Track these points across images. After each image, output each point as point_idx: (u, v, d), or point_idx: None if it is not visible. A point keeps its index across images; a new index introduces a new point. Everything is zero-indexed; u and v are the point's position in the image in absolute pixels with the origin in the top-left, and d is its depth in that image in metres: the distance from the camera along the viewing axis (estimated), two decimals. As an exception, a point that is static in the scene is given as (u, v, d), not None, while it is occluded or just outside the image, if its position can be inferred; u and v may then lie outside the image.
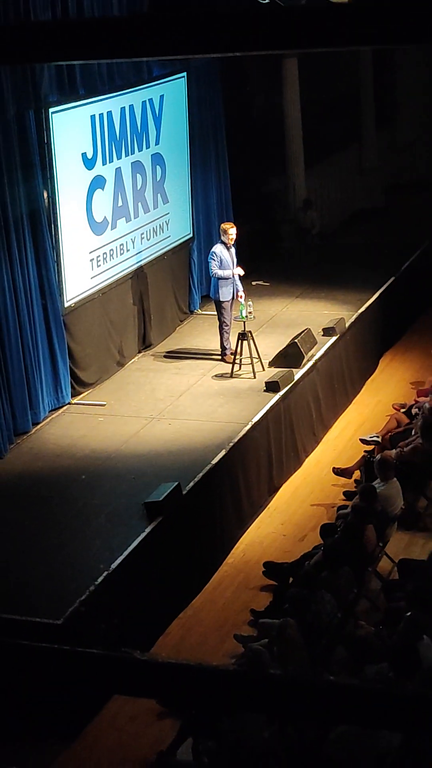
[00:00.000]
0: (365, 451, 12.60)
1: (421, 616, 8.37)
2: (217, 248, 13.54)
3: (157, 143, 14.49)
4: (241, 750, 7.62)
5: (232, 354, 13.35)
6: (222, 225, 14.02)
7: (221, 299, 13.52)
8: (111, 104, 13.31)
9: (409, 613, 8.44)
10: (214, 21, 2.01)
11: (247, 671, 6.97)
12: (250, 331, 13.06)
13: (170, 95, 14.68)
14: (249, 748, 7.62)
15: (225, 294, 13.48)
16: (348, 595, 9.39)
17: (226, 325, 13.60)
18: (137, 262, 14.12)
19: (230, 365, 13.19)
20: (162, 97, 14.48)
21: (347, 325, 14.53)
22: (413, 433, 12.08)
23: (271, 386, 12.46)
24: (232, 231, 13.59)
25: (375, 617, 9.64)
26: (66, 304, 12.58)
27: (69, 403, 12.54)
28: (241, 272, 13.63)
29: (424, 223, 20.81)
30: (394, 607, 9.40)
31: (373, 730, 7.19)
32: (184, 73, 14.90)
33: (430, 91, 24.95)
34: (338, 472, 12.34)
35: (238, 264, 13.67)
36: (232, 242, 13.58)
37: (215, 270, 13.41)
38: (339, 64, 22.26)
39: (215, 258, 13.45)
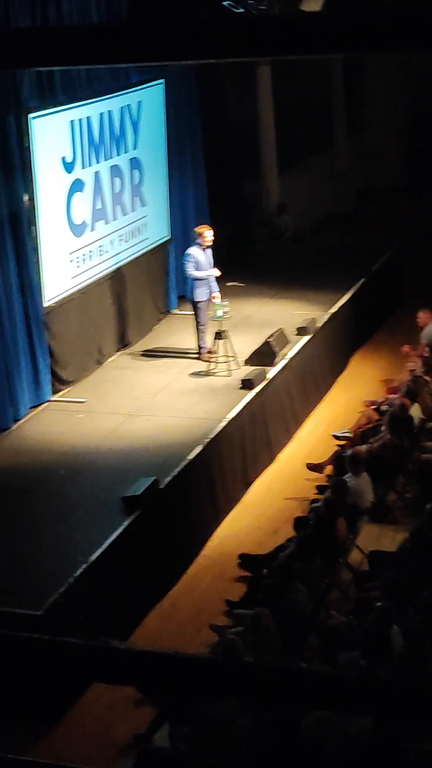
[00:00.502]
0: (338, 445, 12.81)
1: (391, 605, 8.52)
2: (192, 250, 13.71)
3: (135, 148, 14.63)
4: (217, 736, 7.65)
5: (208, 352, 13.49)
6: (197, 228, 14.16)
7: (197, 299, 13.67)
8: (90, 110, 13.42)
9: (379, 603, 8.59)
10: (191, 29, 2.00)
11: (222, 659, 7.17)
12: (225, 331, 13.19)
13: (148, 101, 14.82)
14: (225, 734, 7.64)
15: (201, 294, 13.64)
16: (320, 586, 9.48)
17: (202, 325, 13.73)
18: (116, 263, 14.24)
19: (206, 363, 13.34)
20: (140, 103, 14.62)
21: (319, 324, 14.68)
22: (383, 429, 12.25)
23: (246, 384, 12.59)
24: (208, 234, 13.76)
25: (346, 607, 9.73)
26: (46, 304, 12.68)
27: (49, 401, 12.62)
28: (217, 273, 13.81)
29: (393, 228, 21.04)
30: (364, 597, 9.51)
31: (345, 716, 7.34)
32: (162, 80, 15.04)
33: (399, 98, 25.16)
34: (311, 467, 12.49)
35: (214, 265, 13.86)
36: (208, 245, 13.76)
37: (191, 271, 13.57)
38: (311, 71, 22.46)
39: (191, 260, 13.60)
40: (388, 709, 2.38)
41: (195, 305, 13.73)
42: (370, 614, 8.57)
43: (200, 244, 13.69)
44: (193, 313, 13.91)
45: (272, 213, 20.04)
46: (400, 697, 2.20)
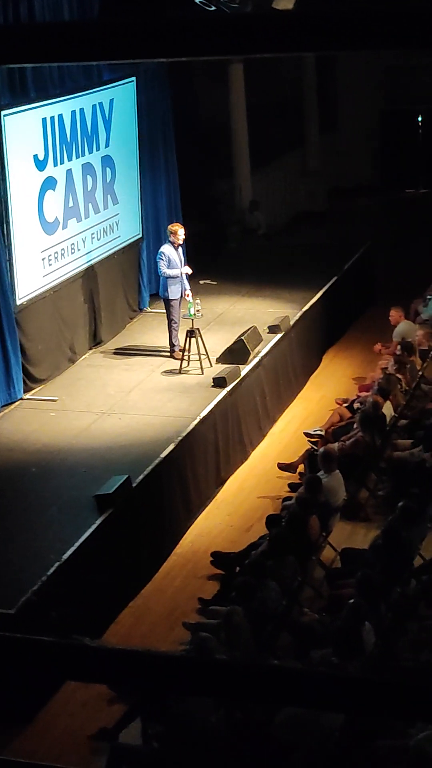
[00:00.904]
0: (310, 442, 12.85)
1: (363, 602, 8.56)
2: (165, 248, 13.71)
3: (107, 146, 14.62)
4: (190, 733, 7.68)
5: (180, 351, 13.48)
6: (170, 226, 14.16)
7: (170, 297, 13.67)
8: (62, 107, 13.41)
9: (352, 600, 8.63)
10: (163, 27, 2.00)
11: (195, 657, 7.18)
12: (198, 329, 13.19)
13: (120, 99, 14.81)
14: (197, 731, 7.68)
15: (173, 292, 13.64)
16: (292, 583, 9.52)
17: (175, 323, 13.74)
18: (88, 262, 14.24)
19: (179, 361, 13.33)
20: (112, 101, 14.61)
21: (292, 322, 14.73)
22: (355, 426, 12.30)
23: (219, 382, 12.61)
24: (180, 232, 13.76)
25: (319, 604, 9.79)
26: (18, 302, 12.64)
27: (21, 399, 12.59)
28: (189, 271, 13.81)
29: (365, 226, 21.13)
30: (337, 594, 9.58)
31: (316, 713, 7.37)
32: (134, 78, 15.03)
33: (371, 96, 25.28)
34: (283, 467, 12.50)
35: (186, 263, 13.87)
36: (180, 243, 13.77)
37: (164, 269, 13.58)
38: (283, 69, 22.54)
39: (163, 258, 13.61)
40: (359, 705, 2.36)
41: (167, 303, 13.75)
42: (343, 611, 8.60)
43: (173, 242, 13.70)
44: (165, 311, 13.91)
45: (244, 211, 20.07)
46: (371, 694, 2.21)
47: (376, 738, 7.66)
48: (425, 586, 9.64)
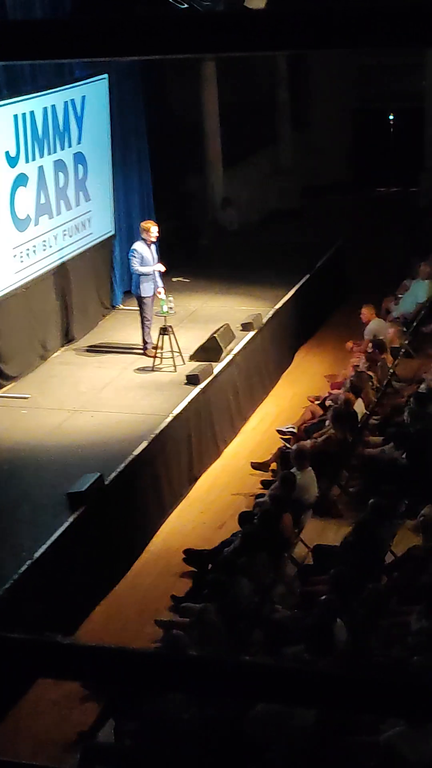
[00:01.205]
0: (282, 439, 12.87)
1: (335, 599, 8.59)
2: (138, 245, 13.70)
3: (79, 142, 14.58)
4: (162, 731, 7.70)
5: (153, 348, 13.47)
6: (143, 223, 14.14)
7: (142, 295, 13.66)
8: (34, 104, 13.36)
9: (324, 597, 8.66)
10: (135, 25, 1.99)
11: (167, 653, 7.18)
12: (170, 326, 13.18)
13: (92, 96, 14.77)
14: (170, 728, 7.71)
15: (146, 290, 13.63)
16: (265, 580, 9.53)
17: (148, 320, 13.73)
18: (60, 259, 14.20)
19: (151, 359, 13.32)
20: (84, 97, 14.57)
21: (264, 320, 14.76)
22: (327, 424, 12.34)
23: (192, 379, 12.62)
24: (153, 229, 13.74)
25: (291, 601, 9.79)
26: (-11, 299, 12.66)
27: (-7, 396, 12.58)
28: (162, 268, 13.81)
29: (337, 224, 21.18)
30: (309, 591, 9.62)
31: (289, 708, 7.39)
32: (106, 75, 15.00)
33: (343, 94, 25.36)
34: (256, 466, 12.52)
35: (159, 260, 13.87)
36: (153, 240, 13.75)
37: (136, 266, 13.56)
38: (256, 67, 22.57)
39: (136, 255, 13.59)
40: (330, 701, 2.38)
41: (140, 300, 13.74)
42: (315, 608, 8.63)
43: (145, 240, 13.69)
44: (138, 308, 13.90)
45: (217, 208, 20.08)
46: (342, 689, 2.21)
47: (348, 734, 7.69)
48: (397, 582, 9.69)
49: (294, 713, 7.45)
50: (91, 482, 10.11)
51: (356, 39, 1.97)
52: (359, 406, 12.61)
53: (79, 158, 14.63)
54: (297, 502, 10.61)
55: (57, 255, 14.12)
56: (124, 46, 2.05)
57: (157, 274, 13.70)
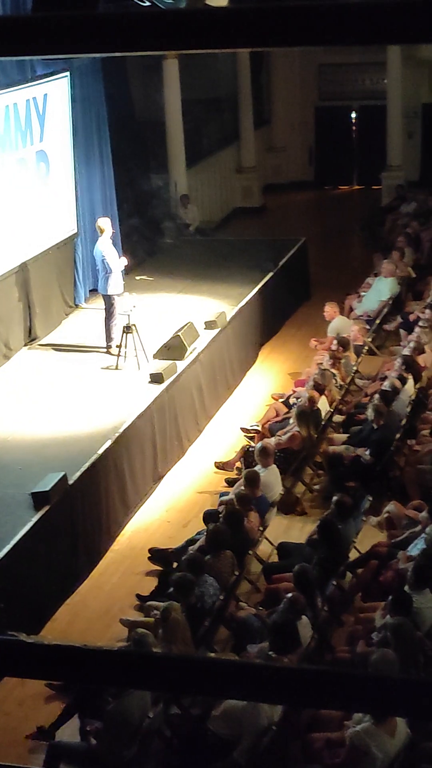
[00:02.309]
0: (246, 437, 12.90)
1: (299, 596, 8.62)
2: (104, 244, 13.62)
3: (41, 140, 14.52)
4: (127, 730, 7.70)
5: (117, 347, 13.45)
6: (98, 223, 14.04)
7: (109, 293, 13.61)
8: (-5, 101, 13.33)
9: (288, 594, 8.68)
10: (97, 22, 1.95)
11: (132, 651, 7.18)
12: (134, 325, 13.14)
13: (54, 94, 14.71)
14: (135, 727, 7.72)
15: (113, 288, 13.59)
16: (230, 578, 9.54)
17: (114, 319, 13.72)
18: (22, 258, 14.14)
19: (115, 357, 13.31)
20: (46, 95, 14.50)
21: (228, 318, 14.75)
22: (291, 421, 12.38)
23: (155, 378, 12.59)
24: (108, 226, 13.74)
25: (255, 598, 9.87)
26: None
27: None
28: (125, 262, 13.79)
29: (299, 222, 21.27)
30: (273, 588, 9.65)
31: (254, 706, 7.41)
32: (67, 73, 14.94)
33: (305, 92, 25.45)
34: (220, 466, 12.54)
35: (121, 256, 13.85)
36: (110, 237, 13.72)
37: (114, 263, 13.47)
38: (218, 65, 22.59)
39: (107, 253, 13.53)
40: (295, 696, 2.37)
41: (107, 299, 13.69)
42: (279, 605, 8.65)
43: (107, 237, 13.65)
44: (103, 307, 13.87)
45: (177, 205, 20.08)
46: (307, 685, 2.19)
47: (313, 730, 7.72)
48: (361, 579, 9.74)
49: (259, 710, 7.47)
50: (56, 482, 10.07)
51: (319, 37, 1.96)
52: (323, 404, 12.66)
53: (42, 156, 14.57)
54: (261, 499, 10.62)
55: (19, 254, 14.03)
56: (86, 44, 2.04)
57: (120, 272, 13.67)
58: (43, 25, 1.98)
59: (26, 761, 8.02)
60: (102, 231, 13.79)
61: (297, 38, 1.92)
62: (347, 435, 12.48)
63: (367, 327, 15.59)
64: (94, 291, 15.37)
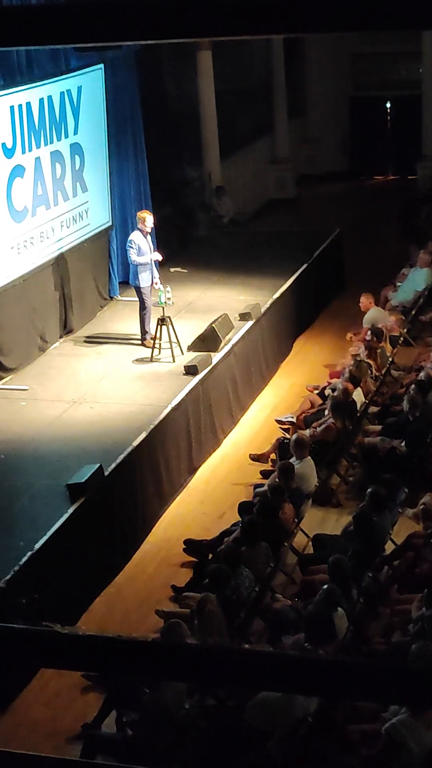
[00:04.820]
0: (281, 429, 12.86)
1: (335, 588, 8.60)
2: (135, 235, 13.67)
3: (75, 133, 14.54)
4: (163, 721, 7.72)
5: (151, 339, 13.44)
6: (139, 213, 14.13)
7: (140, 285, 13.63)
8: (30, 95, 13.30)
9: (324, 586, 8.67)
10: (132, 9, 1.97)
11: (168, 641, 7.19)
12: (168, 317, 13.15)
13: (88, 86, 14.73)
14: (171, 718, 7.74)
15: (144, 280, 13.60)
16: (265, 570, 9.55)
17: (146, 311, 13.73)
18: (58, 250, 14.17)
19: (150, 350, 13.31)
20: (80, 88, 14.53)
21: (262, 310, 14.74)
22: (326, 413, 12.35)
23: (190, 370, 12.60)
24: (149, 219, 13.73)
25: (291, 590, 9.88)
26: (-13, 291, 12.64)
27: (-9, 388, 12.56)
28: (159, 257, 13.79)
29: (334, 212, 21.18)
30: (309, 580, 9.65)
31: (289, 697, 7.41)
32: (101, 65, 14.95)
33: (340, 83, 25.33)
34: (255, 458, 12.52)
35: (156, 250, 13.86)
36: (149, 230, 13.74)
37: (133, 257, 13.53)
38: (252, 55, 22.54)
39: (133, 245, 13.56)
40: (331, 688, 2.38)
41: (138, 291, 13.72)
42: (315, 597, 8.64)
43: (141, 230, 13.66)
44: (136, 298, 13.89)
45: (212, 197, 20.06)
46: (343, 676, 2.21)
47: (349, 723, 7.71)
48: (397, 570, 9.71)
49: (295, 702, 7.47)
50: (91, 473, 10.10)
51: (349, 23, 1.96)
52: (358, 395, 12.61)
53: (76, 149, 14.60)
54: (296, 491, 10.61)
55: (55, 246, 14.09)
56: (121, 31, 2.03)
57: (154, 264, 13.69)
58: (78, 13, 2.00)
59: (64, 752, 8.07)
60: (137, 222, 13.80)
61: (329, 24, 1.93)
62: (382, 426, 12.43)
63: (403, 318, 15.52)
64: (123, 283, 15.43)
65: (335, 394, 12.45)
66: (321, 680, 2.26)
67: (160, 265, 13.92)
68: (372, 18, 1.91)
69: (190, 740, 7.91)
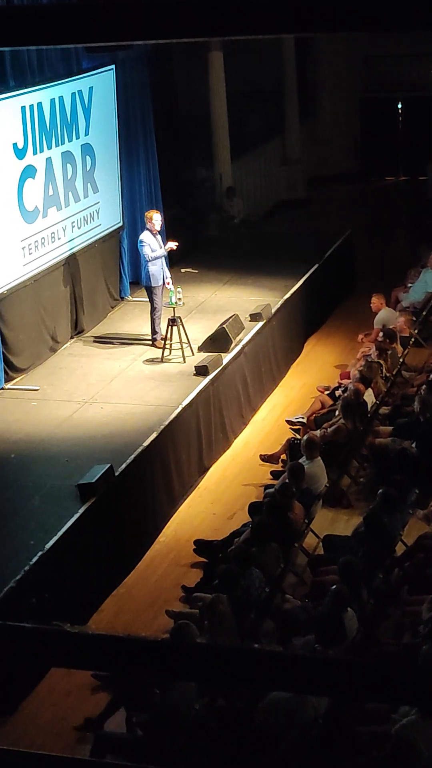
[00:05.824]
0: (292, 430, 12.86)
1: (345, 589, 8.59)
2: (144, 236, 13.65)
3: (86, 134, 14.56)
4: (174, 721, 7.73)
5: (162, 339, 13.44)
6: (146, 213, 14.10)
7: (152, 285, 13.62)
8: (41, 95, 13.33)
9: (334, 586, 8.65)
10: (143, 8, 1.98)
11: (178, 641, 7.19)
12: (179, 317, 13.16)
13: (99, 87, 14.75)
14: (181, 719, 7.73)
15: (155, 280, 13.59)
16: (275, 570, 9.53)
17: (157, 311, 13.74)
18: (69, 250, 14.18)
19: (160, 350, 13.32)
20: (91, 89, 14.54)
21: (273, 310, 14.73)
22: (337, 414, 12.34)
23: (201, 370, 12.60)
24: (156, 217, 13.72)
25: (301, 591, 9.85)
26: (-2, 291, 12.65)
27: (2, 389, 12.53)
28: (174, 245, 13.75)
29: (345, 213, 21.17)
30: (319, 581, 9.63)
31: (300, 698, 7.40)
32: (113, 66, 14.97)
33: (350, 84, 25.31)
34: (265, 458, 12.51)
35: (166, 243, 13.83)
36: (158, 230, 13.73)
37: (148, 253, 13.49)
38: (263, 57, 22.53)
39: (145, 244, 13.57)
40: (342, 688, 2.37)
41: (150, 291, 13.72)
42: (325, 598, 8.62)
43: (150, 229, 13.66)
44: (147, 299, 13.89)
45: (223, 197, 20.07)
46: (354, 677, 2.21)
47: (360, 724, 7.70)
48: (407, 571, 9.69)
49: (305, 703, 7.46)
50: (101, 473, 10.11)
51: (359, 23, 1.96)
52: (369, 396, 12.60)
53: (87, 149, 14.62)
54: (306, 492, 10.60)
55: (66, 247, 14.11)
56: (133, 30, 2.03)
57: (165, 265, 13.68)
58: (88, 13, 2.01)
59: (73, 751, 8.07)
60: (145, 221, 13.80)
61: (341, 24, 1.93)
62: (393, 427, 12.41)
63: (414, 318, 15.49)
64: (134, 284, 15.42)
65: (346, 394, 12.44)
66: (331, 681, 2.26)
67: (171, 264, 13.91)
68: (383, 18, 1.91)
69: (201, 741, 7.90)
